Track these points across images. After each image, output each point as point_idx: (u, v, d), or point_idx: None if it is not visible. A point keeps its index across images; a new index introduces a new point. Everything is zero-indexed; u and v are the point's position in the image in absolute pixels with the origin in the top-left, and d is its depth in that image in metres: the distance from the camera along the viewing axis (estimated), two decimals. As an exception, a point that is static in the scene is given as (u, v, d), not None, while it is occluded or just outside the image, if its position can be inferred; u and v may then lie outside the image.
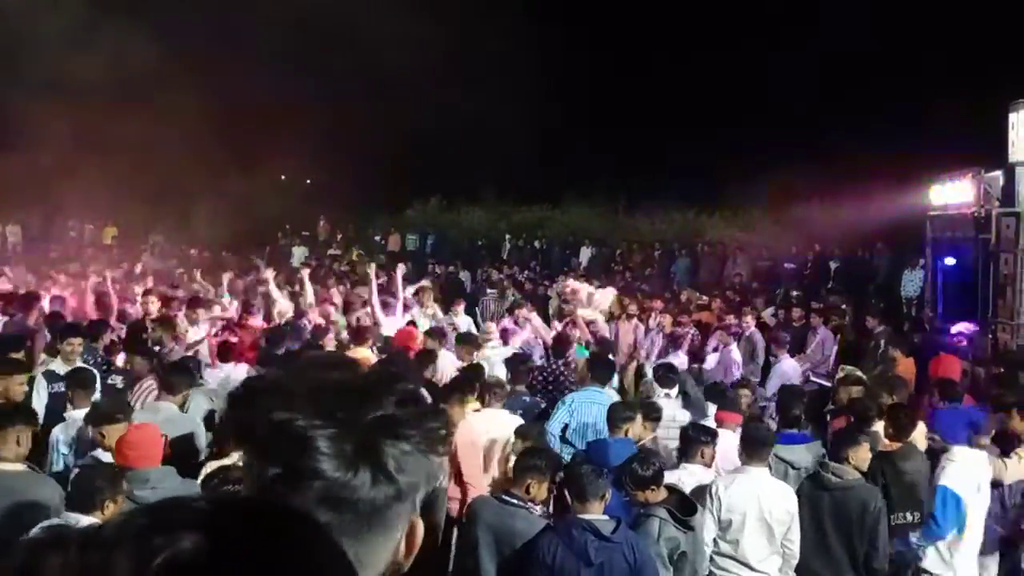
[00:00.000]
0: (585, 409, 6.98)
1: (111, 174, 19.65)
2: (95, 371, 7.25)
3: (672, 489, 4.81)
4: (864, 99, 21.89)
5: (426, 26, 21.44)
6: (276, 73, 20.91)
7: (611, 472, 4.74)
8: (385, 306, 10.81)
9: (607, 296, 12.24)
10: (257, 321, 10.96)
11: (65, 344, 7.74)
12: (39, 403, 7.01)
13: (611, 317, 12.33)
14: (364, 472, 1.08)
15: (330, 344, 9.41)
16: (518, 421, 6.63)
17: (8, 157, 19.62)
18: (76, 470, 5.80)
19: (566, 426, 6.95)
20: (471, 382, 7.16)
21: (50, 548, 2.49)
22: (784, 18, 24.07)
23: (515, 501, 4.88)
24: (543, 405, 7.69)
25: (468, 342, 9.27)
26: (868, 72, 21.98)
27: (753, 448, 5.43)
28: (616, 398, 7.43)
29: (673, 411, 7.12)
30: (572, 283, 12.19)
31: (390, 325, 10.31)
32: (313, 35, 21.60)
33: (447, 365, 8.66)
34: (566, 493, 4.43)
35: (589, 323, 10.84)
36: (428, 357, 8.37)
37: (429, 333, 9.52)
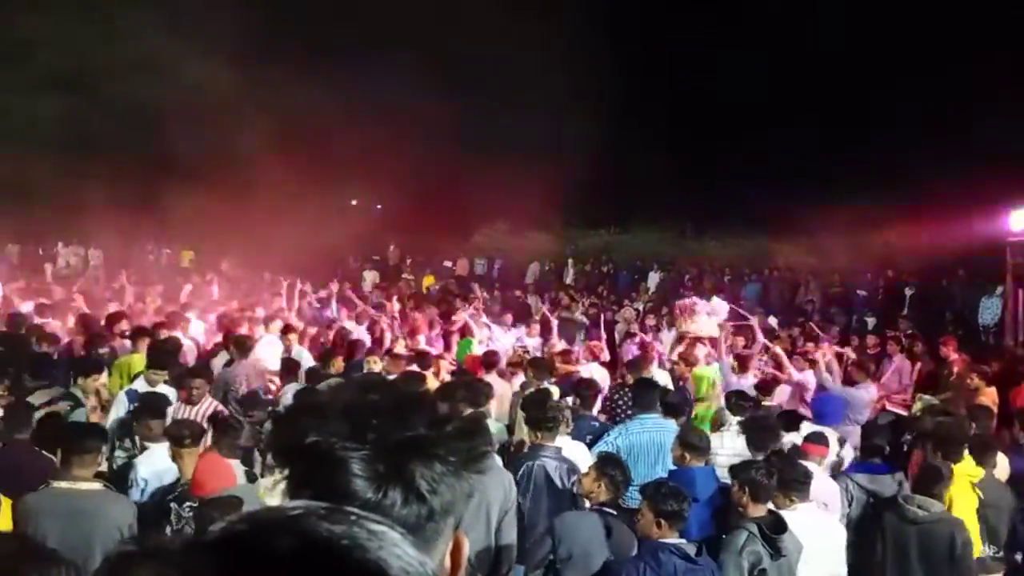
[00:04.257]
0: (635, 438, 6.66)
1: (188, 198, 20.28)
2: (167, 396, 7.05)
3: (771, 511, 4.84)
4: (941, 124, 21.48)
5: (493, 52, 21.70)
6: (348, 99, 21.35)
7: (695, 500, 4.80)
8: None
9: (724, 307, 11.17)
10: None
11: (152, 373, 7.57)
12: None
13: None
14: (394, 492, 1.11)
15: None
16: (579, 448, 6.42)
17: (92, 182, 20.38)
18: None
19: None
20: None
21: (140, 559, 2.59)
22: (858, 43, 23.81)
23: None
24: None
25: (539, 366, 8.84)
26: (946, 98, 21.57)
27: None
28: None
29: (733, 442, 6.68)
30: (687, 300, 11.33)
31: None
32: (384, 63, 22.07)
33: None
34: (652, 516, 4.47)
35: (707, 339, 10.35)
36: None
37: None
